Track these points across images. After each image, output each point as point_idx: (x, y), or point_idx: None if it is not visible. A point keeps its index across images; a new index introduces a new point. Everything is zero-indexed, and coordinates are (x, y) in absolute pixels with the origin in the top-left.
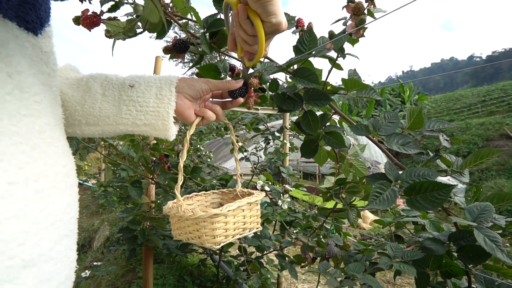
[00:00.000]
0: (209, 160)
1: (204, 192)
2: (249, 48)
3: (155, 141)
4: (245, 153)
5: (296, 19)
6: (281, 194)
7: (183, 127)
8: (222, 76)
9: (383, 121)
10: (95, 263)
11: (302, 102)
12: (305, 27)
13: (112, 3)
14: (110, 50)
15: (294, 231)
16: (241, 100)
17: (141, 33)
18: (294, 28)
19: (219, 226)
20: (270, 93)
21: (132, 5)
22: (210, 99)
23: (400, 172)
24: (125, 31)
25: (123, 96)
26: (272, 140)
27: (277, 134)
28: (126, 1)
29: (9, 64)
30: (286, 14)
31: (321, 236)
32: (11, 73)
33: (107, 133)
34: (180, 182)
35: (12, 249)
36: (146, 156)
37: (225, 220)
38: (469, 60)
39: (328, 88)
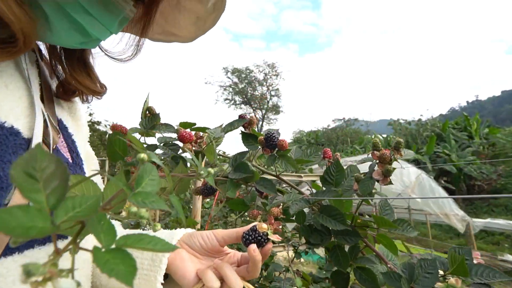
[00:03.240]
0: None
1: None
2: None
3: None
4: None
5: (322, 150)
6: None
7: None
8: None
9: (419, 271)
10: None
11: (331, 236)
12: (332, 158)
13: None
14: None
15: None
16: (258, 257)
17: None
18: (321, 160)
19: None
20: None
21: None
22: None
23: None
24: None
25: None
26: None
27: None
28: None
29: None
30: (312, 144)
31: None
32: None
33: None
34: None
35: None
36: None
37: None
38: None
39: (358, 221)
